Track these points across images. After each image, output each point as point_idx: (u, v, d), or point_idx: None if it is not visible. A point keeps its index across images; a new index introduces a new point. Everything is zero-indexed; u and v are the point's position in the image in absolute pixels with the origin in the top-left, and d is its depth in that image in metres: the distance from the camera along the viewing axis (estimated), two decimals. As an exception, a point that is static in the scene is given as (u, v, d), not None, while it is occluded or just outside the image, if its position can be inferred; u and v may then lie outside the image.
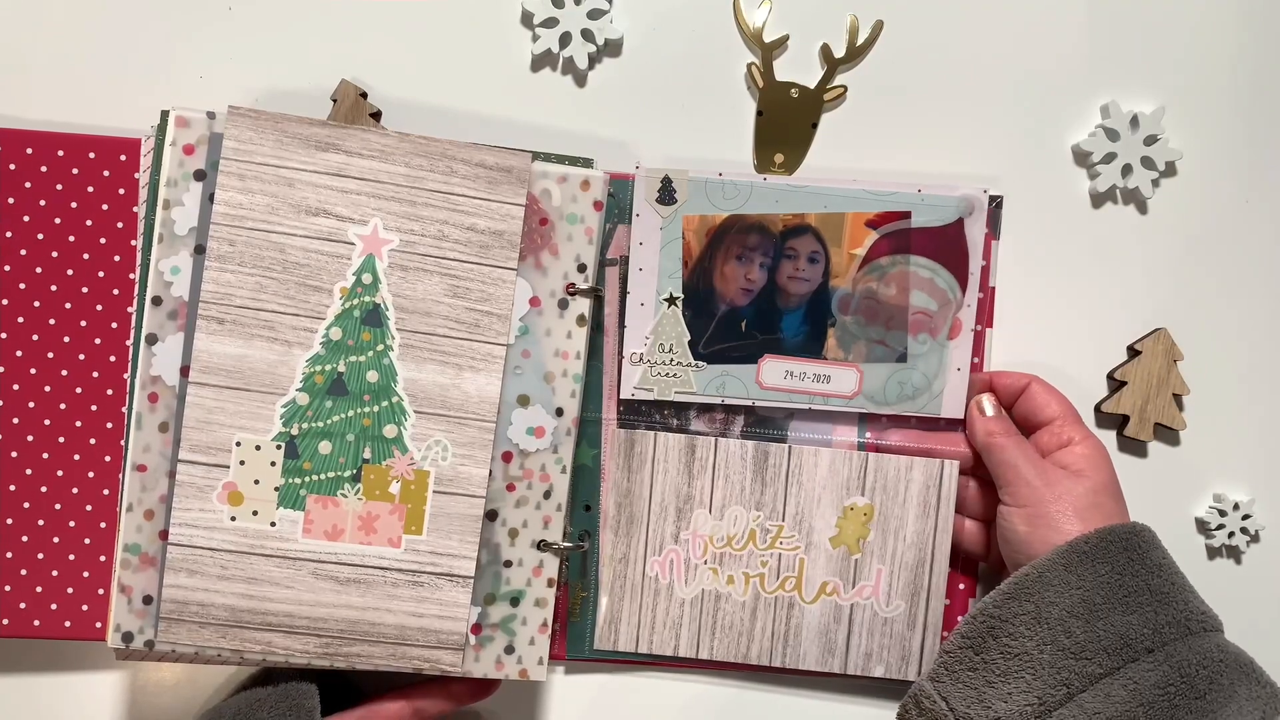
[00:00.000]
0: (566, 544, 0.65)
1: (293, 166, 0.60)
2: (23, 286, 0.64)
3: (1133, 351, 0.70)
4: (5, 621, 0.64)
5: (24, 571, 0.64)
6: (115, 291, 0.64)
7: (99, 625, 0.65)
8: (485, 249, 0.62)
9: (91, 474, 0.65)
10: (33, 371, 0.64)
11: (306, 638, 0.61)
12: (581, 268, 0.64)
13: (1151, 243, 0.70)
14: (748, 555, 0.67)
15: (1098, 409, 0.70)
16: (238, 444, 0.61)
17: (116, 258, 0.64)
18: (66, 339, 0.64)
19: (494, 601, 0.64)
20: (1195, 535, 0.71)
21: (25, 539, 0.64)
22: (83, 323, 0.64)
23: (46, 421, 0.64)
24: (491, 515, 0.63)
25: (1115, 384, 0.70)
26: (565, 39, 0.67)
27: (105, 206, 0.64)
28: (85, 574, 0.65)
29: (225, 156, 0.60)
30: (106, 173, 0.64)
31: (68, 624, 0.64)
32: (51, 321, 0.64)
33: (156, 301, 0.60)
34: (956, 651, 0.60)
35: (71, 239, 0.64)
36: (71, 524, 0.64)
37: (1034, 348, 0.70)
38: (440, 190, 0.62)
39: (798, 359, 0.66)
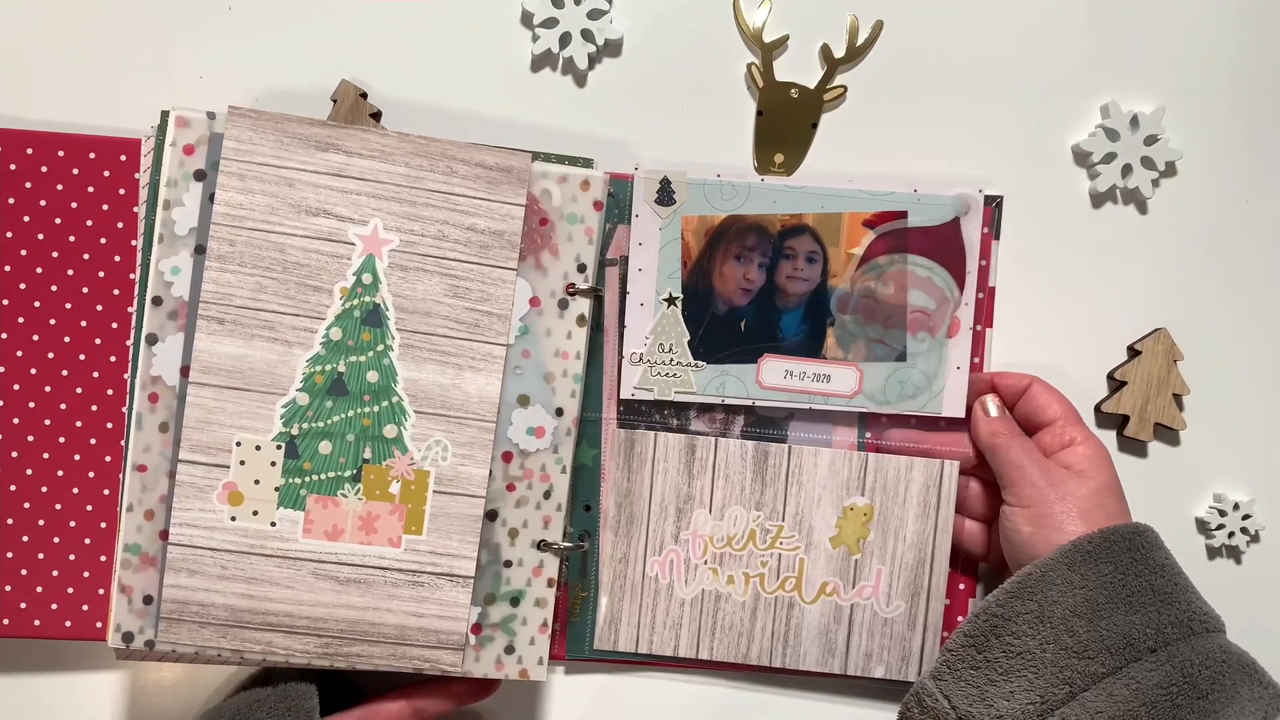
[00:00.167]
0: (566, 544, 0.65)
1: (293, 166, 0.60)
2: (23, 287, 0.64)
3: (1133, 351, 0.70)
4: (5, 621, 0.64)
5: (24, 571, 0.64)
6: (115, 291, 0.64)
7: (99, 625, 0.65)
8: (485, 249, 0.62)
9: (92, 474, 0.65)
10: (33, 371, 0.64)
11: (306, 638, 0.61)
12: (581, 268, 0.64)
13: (1151, 243, 0.70)
14: (748, 555, 0.67)
15: (1098, 409, 0.70)
16: (238, 444, 0.61)
17: (117, 258, 0.64)
18: (67, 339, 0.64)
19: (494, 601, 0.64)
20: (1195, 535, 0.71)
21: (26, 539, 0.64)
22: (83, 323, 0.64)
23: (47, 421, 0.64)
24: (491, 515, 0.63)
25: (1115, 384, 0.70)
26: (565, 39, 0.67)
27: (105, 207, 0.64)
28: (85, 574, 0.65)
29: (225, 156, 0.60)
30: (107, 173, 0.64)
31: (68, 624, 0.64)
32: (52, 322, 0.64)
33: (157, 301, 0.60)
34: (959, 650, 0.60)
35: (72, 239, 0.64)
36: (72, 524, 0.64)
37: (1034, 348, 0.70)
38: (440, 190, 0.62)
39: (797, 358, 0.66)
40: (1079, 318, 0.70)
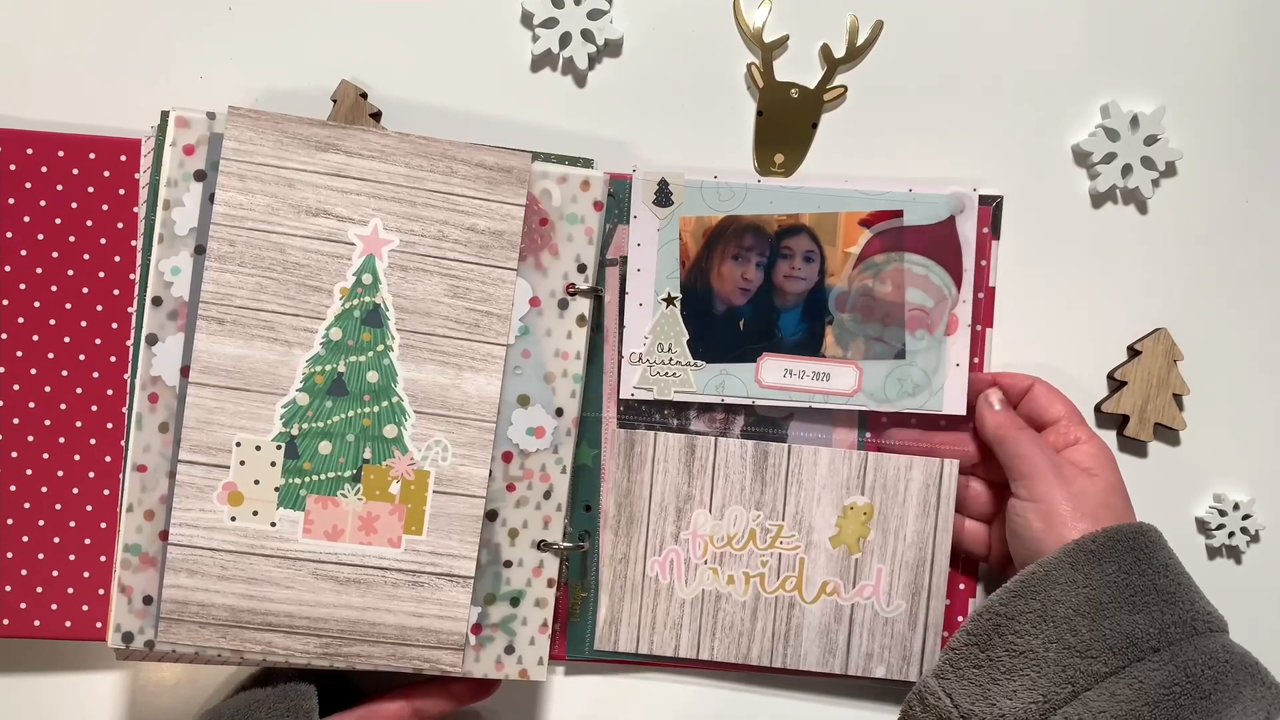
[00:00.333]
0: (566, 544, 0.65)
1: (293, 167, 0.60)
2: (23, 287, 0.64)
3: (1133, 351, 0.70)
4: (5, 621, 0.64)
5: (24, 571, 0.64)
6: (115, 292, 0.65)
7: (99, 625, 0.65)
8: (485, 249, 0.62)
9: (92, 474, 0.65)
10: (33, 372, 0.64)
11: (306, 638, 0.61)
12: (581, 268, 0.64)
13: (1151, 243, 0.70)
14: (748, 555, 0.67)
15: (1098, 409, 0.70)
16: (238, 444, 0.61)
17: (117, 258, 0.64)
18: (67, 339, 0.64)
19: (494, 601, 0.64)
20: (1195, 535, 0.71)
21: (26, 539, 0.64)
22: (83, 323, 0.64)
23: (47, 422, 0.64)
24: (491, 515, 0.63)
25: (1115, 384, 0.70)
26: (565, 39, 0.67)
27: (105, 207, 0.64)
28: (85, 574, 0.65)
29: (225, 157, 0.60)
30: (106, 173, 0.64)
31: (68, 624, 0.64)
32: (52, 322, 0.64)
33: (157, 302, 0.60)
34: (962, 648, 0.60)
35: (72, 239, 0.64)
36: (72, 524, 0.64)
37: (1034, 348, 0.70)
38: (440, 190, 0.62)
39: (797, 357, 0.66)
40: (1079, 318, 0.70)
